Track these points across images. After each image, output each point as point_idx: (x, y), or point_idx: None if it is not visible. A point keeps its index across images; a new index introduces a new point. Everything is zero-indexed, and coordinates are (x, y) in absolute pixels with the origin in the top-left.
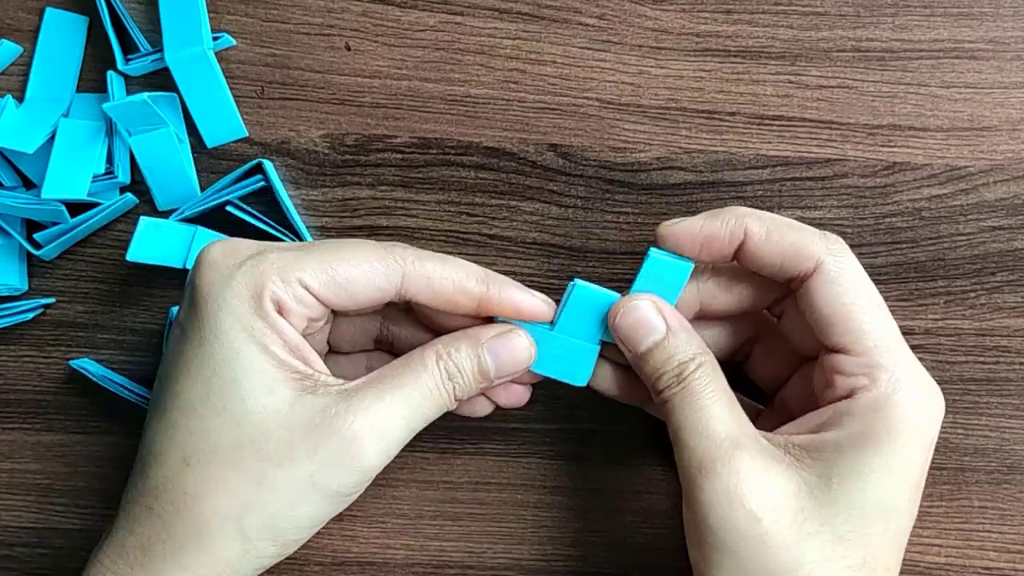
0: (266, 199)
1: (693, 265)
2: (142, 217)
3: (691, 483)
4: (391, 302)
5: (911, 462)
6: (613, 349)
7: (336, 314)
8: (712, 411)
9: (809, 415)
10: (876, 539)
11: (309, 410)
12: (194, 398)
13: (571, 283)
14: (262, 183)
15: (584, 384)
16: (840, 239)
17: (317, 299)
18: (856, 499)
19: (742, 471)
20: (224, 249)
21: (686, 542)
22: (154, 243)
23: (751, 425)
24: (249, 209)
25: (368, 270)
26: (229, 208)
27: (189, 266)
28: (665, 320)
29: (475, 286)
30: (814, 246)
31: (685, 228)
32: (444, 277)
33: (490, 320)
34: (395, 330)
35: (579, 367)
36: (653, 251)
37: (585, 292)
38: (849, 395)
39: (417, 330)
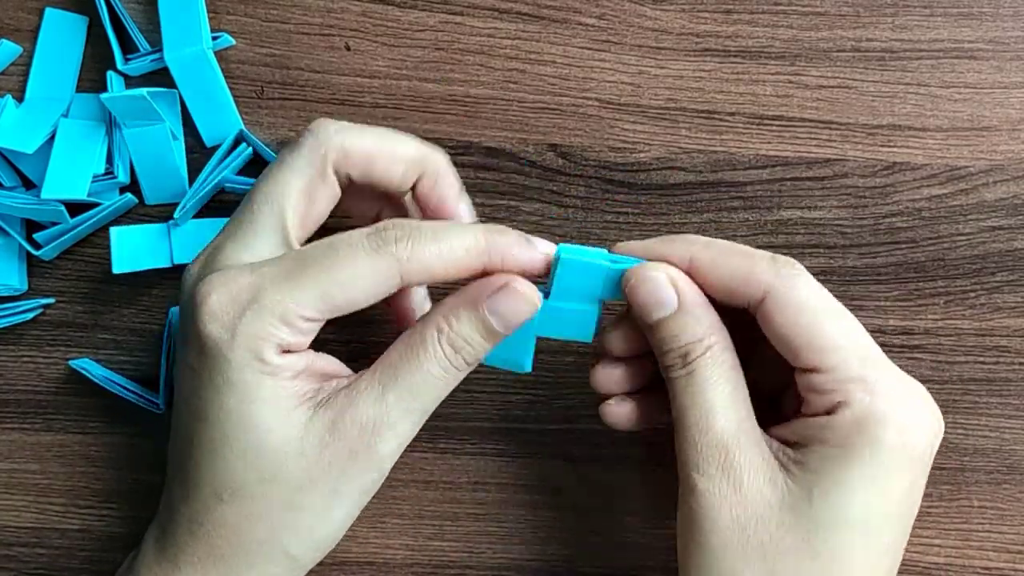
0: (257, 166)
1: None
2: (112, 228)
3: (687, 477)
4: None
5: (895, 476)
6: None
7: None
8: (715, 403)
9: (799, 422)
10: (857, 555)
11: (320, 427)
12: (216, 440)
13: (556, 251)
14: (248, 150)
15: (590, 340)
16: (794, 262)
17: (319, 320)
18: (836, 515)
19: (735, 477)
20: (222, 297)
21: (677, 532)
22: (133, 250)
23: (753, 420)
24: (246, 180)
25: (366, 285)
26: (227, 187)
27: (177, 262)
28: (679, 294)
29: (476, 262)
30: (761, 273)
31: (632, 249)
32: (445, 264)
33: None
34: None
35: (583, 327)
36: (563, 249)
37: (572, 264)
38: (828, 412)
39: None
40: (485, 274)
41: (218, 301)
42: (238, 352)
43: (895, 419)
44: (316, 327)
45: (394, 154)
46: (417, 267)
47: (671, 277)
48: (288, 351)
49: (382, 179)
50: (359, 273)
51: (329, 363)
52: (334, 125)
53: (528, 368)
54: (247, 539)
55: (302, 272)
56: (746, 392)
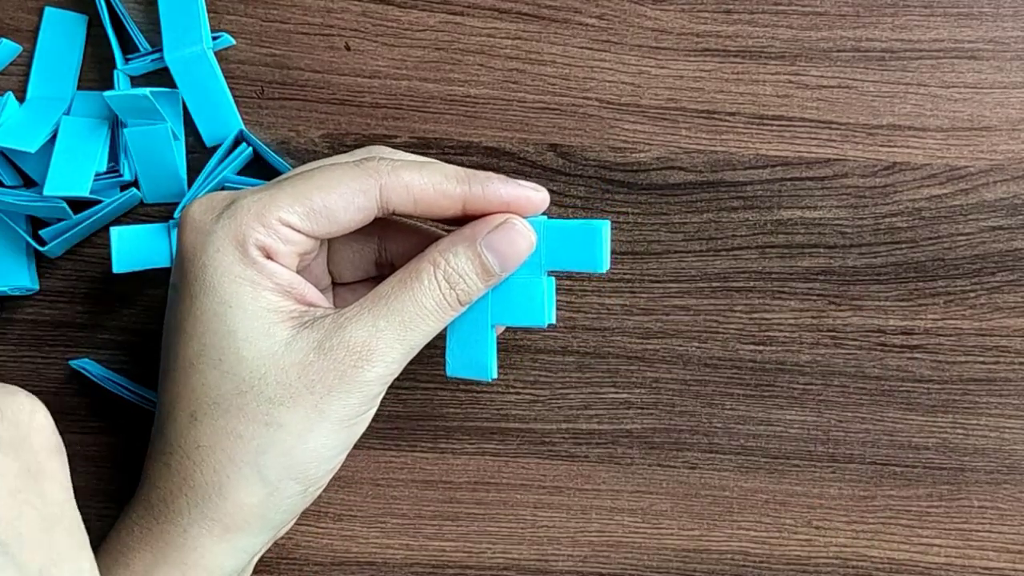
0: (257, 166)
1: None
2: (112, 228)
3: None
4: (383, 220)
5: None
6: None
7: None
8: None
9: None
10: None
11: (304, 346)
12: (191, 355)
13: None
14: (248, 150)
15: (545, 323)
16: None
17: (301, 233)
18: None
19: None
20: (201, 206)
21: None
22: (134, 249)
23: None
24: (244, 180)
25: (345, 192)
26: (227, 187)
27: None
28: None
29: (456, 187)
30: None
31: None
32: (423, 184)
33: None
34: (393, 248)
35: (535, 306)
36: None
37: None
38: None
39: (414, 245)
40: (471, 218)
41: (198, 210)
42: (215, 255)
43: None
44: (302, 241)
45: (437, 176)
46: (397, 183)
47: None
48: (270, 258)
49: (428, 212)
50: (339, 179)
51: (316, 296)
52: (388, 165)
53: (492, 374)
54: (221, 460)
55: (281, 181)
56: None
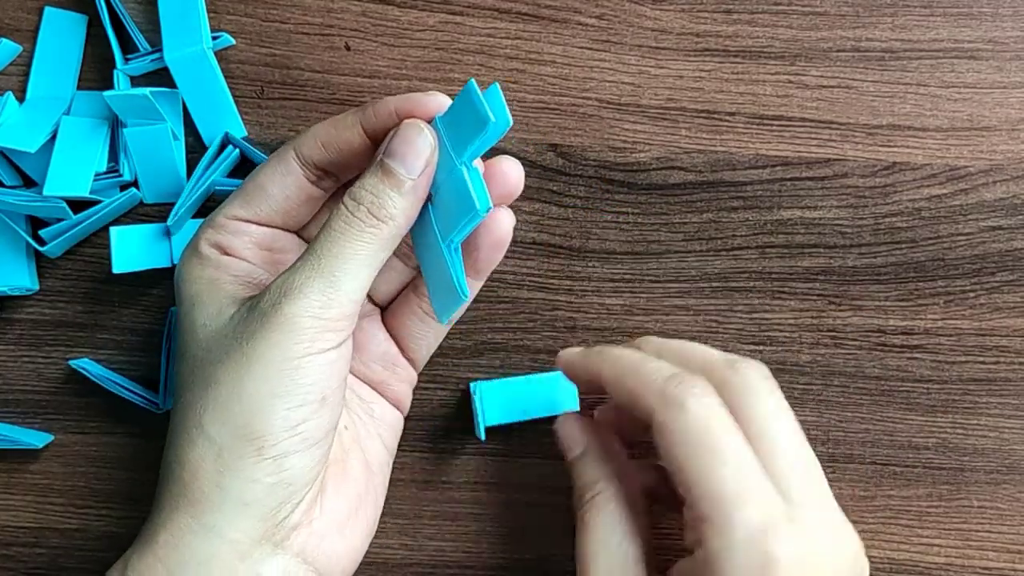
0: (248, 167)
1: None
2: (112, 228)
3: None
4: None
5: None
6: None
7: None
8: (598, 551)
9: (682, 560)
10: None
11: (243, 309)
12: (178, 350)
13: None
14: (236, 152)
15: (486, 208)
16: (692, 385)
17: (247, 220)
18: None
19: None
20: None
21: None
22: (133, 249)
23: (641, 567)
24: (234, 182)
25: (267, 167)
26: (217, 191)
27: (177, 262)
28: (585, 438)
29: (351, 115)
30: (649, 399)
31: (566, 360)
32: (327, 125)
33: None
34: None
35: (466, 200)
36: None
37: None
38: (691, 550)
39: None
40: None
41: (188, 242)
42: (182, 268)
43: (742, 567)
44: (253, 229)
45: (336, 121)
46: (306, 136)
47: (580, 420)
48: (227, 253)
49: (340, 147)
50: (264, 164)
51: None
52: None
53: (465, 293)
54: (178, 432)
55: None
56: (637, 542)
